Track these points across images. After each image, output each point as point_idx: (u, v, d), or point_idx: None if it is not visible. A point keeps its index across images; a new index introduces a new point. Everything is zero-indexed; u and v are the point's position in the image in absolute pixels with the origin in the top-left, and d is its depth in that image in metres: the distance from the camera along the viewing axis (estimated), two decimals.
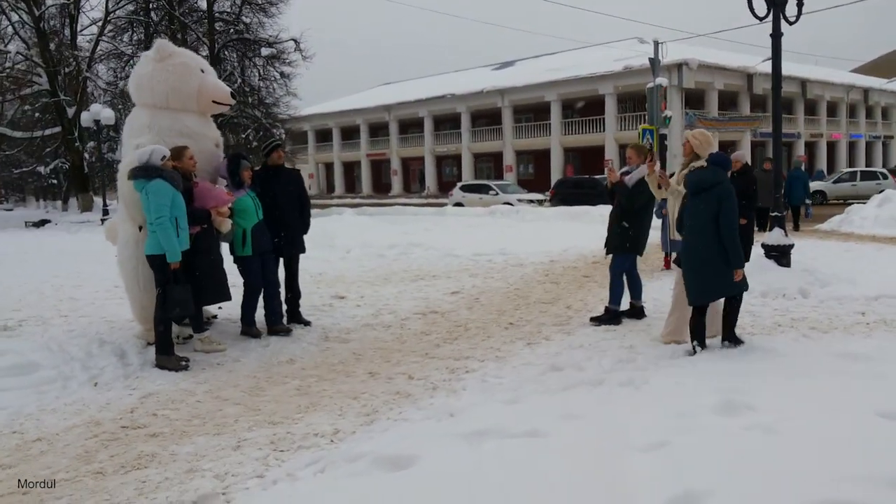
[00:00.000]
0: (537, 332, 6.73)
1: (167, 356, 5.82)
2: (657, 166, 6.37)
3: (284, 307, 7.23)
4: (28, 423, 4.61)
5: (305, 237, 7.30)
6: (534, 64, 47.55)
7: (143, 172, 5.67)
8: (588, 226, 15.38)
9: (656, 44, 20.90)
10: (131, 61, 30.23)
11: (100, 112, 22.19)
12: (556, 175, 37.61)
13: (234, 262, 6.69)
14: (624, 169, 7.05)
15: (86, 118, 22.74)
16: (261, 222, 6.68)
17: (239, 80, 26.44)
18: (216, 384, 5.39)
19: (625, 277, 6.99)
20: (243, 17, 27.96)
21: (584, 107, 40.02)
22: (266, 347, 6.41)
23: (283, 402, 4.92)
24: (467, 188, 30.55)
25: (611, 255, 7.01)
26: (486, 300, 8.45)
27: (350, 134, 54.28)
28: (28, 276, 10.91)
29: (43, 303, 8.50)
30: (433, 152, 48.37)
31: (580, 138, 40.10)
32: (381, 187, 53.07)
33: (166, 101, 6.42)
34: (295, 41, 26.90)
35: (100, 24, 26.49)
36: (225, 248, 6.74)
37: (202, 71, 6.63)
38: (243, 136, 26.61)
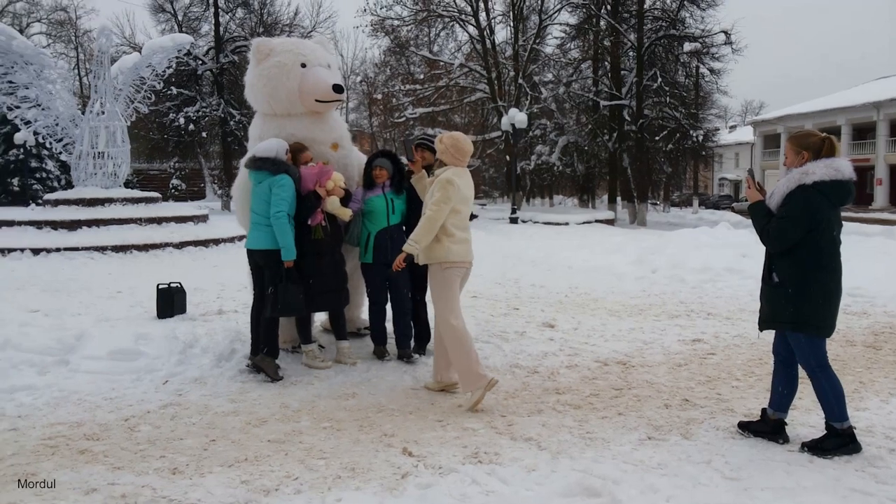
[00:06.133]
0: (696, 423, 4.42)
1: (268, 358, 5.44)
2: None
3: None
4: (44, 411, 4.68)
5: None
6: None
7: (272, 165, 5.38)
8: None
9: None
10: (580, 66, 31.33)
11: (514, 116, 23.28)
12: None
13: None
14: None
15: (504, 122, 24.15)
16: (391, 228, 5.83)
17: (660, 80, 24.97)
18: (242, 406, 4.81)
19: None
20: (679, 14, 26.30)
21: None
22: (365, 373, 5.56)
23: (241, 447, 4.09)
24: None
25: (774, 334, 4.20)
26: (720, 358, 6.03)
27: None
28: None
29: None
30: None
31: None
32: (863, 198, 44.88)
33: (270, 107, 5.86)
34: (725, 33, 24.30)
35: (532, 34, 27.81)
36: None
37: (303, 66, 5.72)
38: (658, 137, 25.11)
